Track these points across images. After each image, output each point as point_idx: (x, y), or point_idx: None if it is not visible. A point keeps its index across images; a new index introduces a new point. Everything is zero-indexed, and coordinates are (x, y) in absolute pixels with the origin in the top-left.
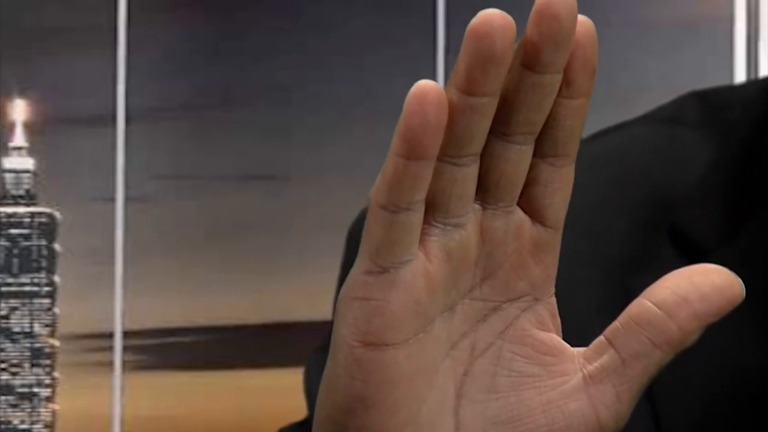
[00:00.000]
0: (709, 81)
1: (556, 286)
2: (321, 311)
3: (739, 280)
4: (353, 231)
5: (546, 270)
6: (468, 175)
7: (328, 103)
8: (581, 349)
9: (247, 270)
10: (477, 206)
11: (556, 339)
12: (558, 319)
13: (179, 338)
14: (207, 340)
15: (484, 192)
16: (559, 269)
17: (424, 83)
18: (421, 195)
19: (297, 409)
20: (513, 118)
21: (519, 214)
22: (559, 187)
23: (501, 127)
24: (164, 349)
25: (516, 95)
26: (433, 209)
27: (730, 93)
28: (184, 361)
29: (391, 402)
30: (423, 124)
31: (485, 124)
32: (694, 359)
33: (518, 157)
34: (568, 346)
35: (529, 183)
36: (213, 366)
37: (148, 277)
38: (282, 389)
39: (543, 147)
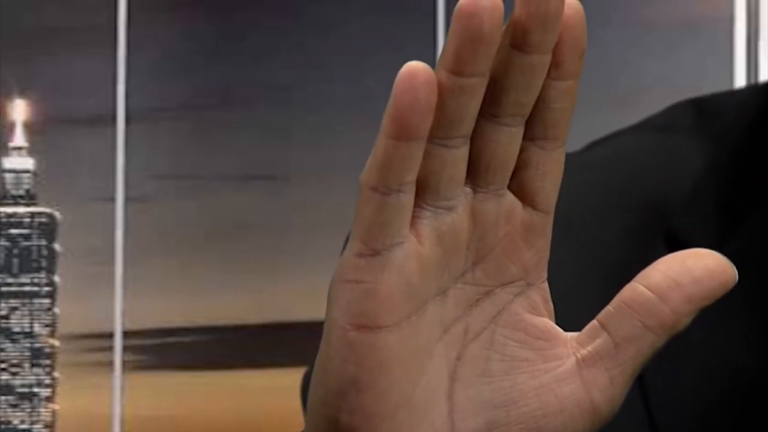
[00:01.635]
0: (709, 81)
1: (555, 295)
2: (321, 311)
3: (732, 265)
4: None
5: (538, 254)
6: (458, 157)
7: (328, 103)
8: (574, 334)
9: (247, 270)
10: (468, 189)
11: (549, 323)
12: (550, 304)
13: (179, 338)
14: (207, 340)
15: (475, 175)
16: (556, 277)
17: (413, 64)
18: (411, 176)
19: (297, 409)
20: (502, 99)
21: (510, 197)
22: (550, 170)
23: (491, 108)
24: (164, 349)
25: (505, 76)
26: (424, 192)
27: (725, 98)
28: (184, 361)
29: (384, 385)
30: (413, 105)
31: (475, 104)
32: (689, 360)
33: (508, 139)
34: (561, 330)
35: (520, 166)
36: (213, 366)
37: (148, 277)
38: (282, 389)
39: (533, 130)
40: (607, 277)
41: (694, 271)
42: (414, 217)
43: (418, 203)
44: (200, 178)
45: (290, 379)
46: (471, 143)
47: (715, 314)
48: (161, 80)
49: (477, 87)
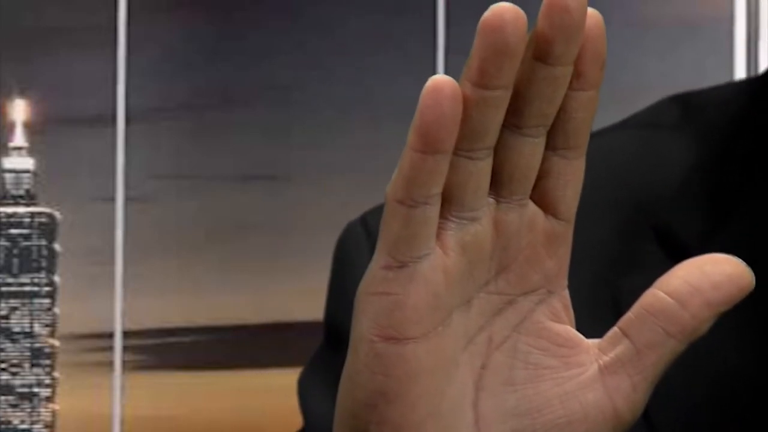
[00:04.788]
0: (709, 81)
1: None
2: (321, 311)
3: (749, 269)
4: (343, 245)
5: (559, 262)
6: (483, 168)
7: (328, 103)
8: (596, 341)
9: (247, 270)
10: (491, 200)
11: (571, 331)
12: (571, 311)
13: (179, 338)
14: (207, 340)
15: (498, 185)
16: None
17: (438, 77)
18: (437, 189)
19: (297, 408)
20: (526, 111)
21: (532, 207)
22: (571, 179)
23: (514, 119)
24: (164, 349)
25: (528, 88)
26: (449, 203)
27: (707, 95)
28: (184, 361)
29: (413, 396)
30: (438, 119)
31: (499, 117)
32: (678, 362)
33: (531, 149)
34: (583, 337)
35: (542, 176)
36: (213, 366)
37: (148, 277)
38: (282, 389)
39: (554, 139)
40: (596, 272)
41: (713, 276)
42: (439, 229)
43: (443, 215)
44: (200, 178)
45: (290, 379)
46: (494, 154)
47: None
48: (161, 80)
49: (501, 99)
